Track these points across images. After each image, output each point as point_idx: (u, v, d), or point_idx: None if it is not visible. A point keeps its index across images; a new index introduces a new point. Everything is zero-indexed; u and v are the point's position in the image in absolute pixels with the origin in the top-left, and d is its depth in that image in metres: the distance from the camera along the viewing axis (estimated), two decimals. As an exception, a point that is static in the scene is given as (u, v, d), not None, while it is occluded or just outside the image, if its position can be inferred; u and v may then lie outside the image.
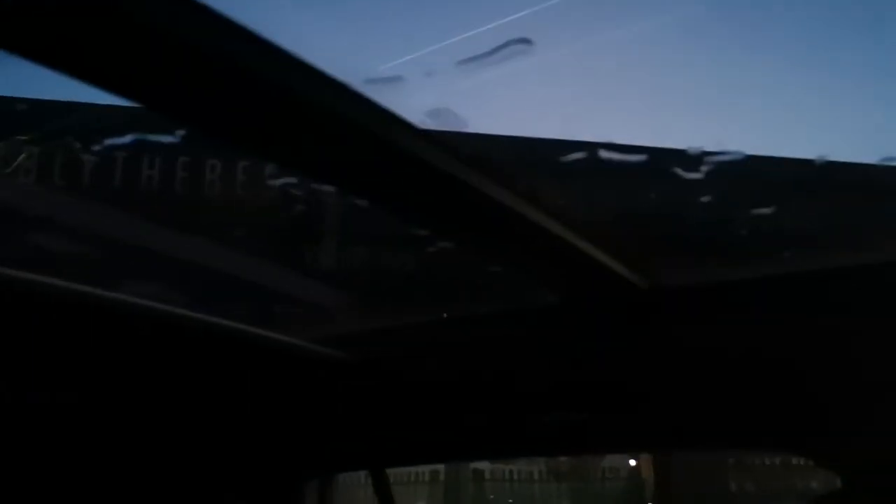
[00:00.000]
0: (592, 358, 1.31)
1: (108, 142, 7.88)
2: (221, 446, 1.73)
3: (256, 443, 1.73)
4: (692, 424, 1.33)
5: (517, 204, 0.96)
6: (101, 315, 1.24)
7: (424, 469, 12.09)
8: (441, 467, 12.15)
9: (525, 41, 1.54)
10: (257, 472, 1.79)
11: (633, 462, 14.48)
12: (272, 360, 1.48)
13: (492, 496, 13.77)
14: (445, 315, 1.51)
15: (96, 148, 8.10)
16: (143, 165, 8.57)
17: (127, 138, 7.71)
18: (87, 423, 1.54)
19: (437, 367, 1.46)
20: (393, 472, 1.96)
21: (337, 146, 0.81)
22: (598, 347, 1.28)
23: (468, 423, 1.59)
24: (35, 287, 1.11)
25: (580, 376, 1.36)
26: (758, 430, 1.28)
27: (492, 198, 0.93)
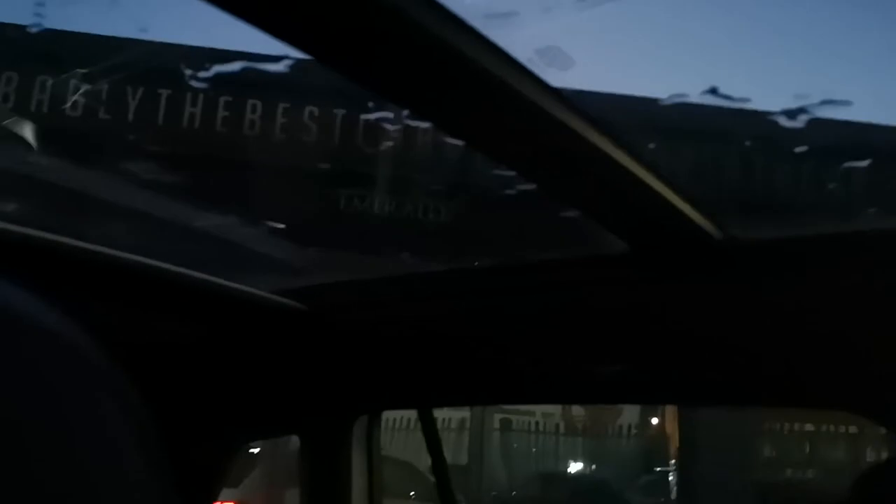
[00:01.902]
0: (657, 309, 1.31)
1: (155, 79, 7.94)
2: (275, 385, 1.76)
3: (306, 381, 1.76)
4: (755, 380, 1.33)
5: (602, 142, 0.95)
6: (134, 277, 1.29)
7: (452, 416, 12.24)
8: (468, 416, 12.30)
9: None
10: (307, 409, 1.82)
11: (655, 420, 14.53)
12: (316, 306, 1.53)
13: (515, 445, 13.94)
14: (504, 261, 1.51)
15: (143, 84, 8.18)
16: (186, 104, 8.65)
17: (175, 75, 7.77)
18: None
19: (492, 312, 1.47)
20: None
21: (440, 79, 0.80)
22: (665, 298, 1.28)
23: (517, 369, 1.60)
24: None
25: (641, 327, 1.35)
26: (824, 389, 1.27)
27: (578, 134, 0.92)
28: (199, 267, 1.40)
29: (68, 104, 7.66)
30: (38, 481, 0.37)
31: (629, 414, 14.41)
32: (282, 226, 5.49)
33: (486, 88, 0.84)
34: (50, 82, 7.85)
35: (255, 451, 7.51)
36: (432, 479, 2.12)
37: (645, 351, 1.38)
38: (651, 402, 8.26)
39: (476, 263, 1.47)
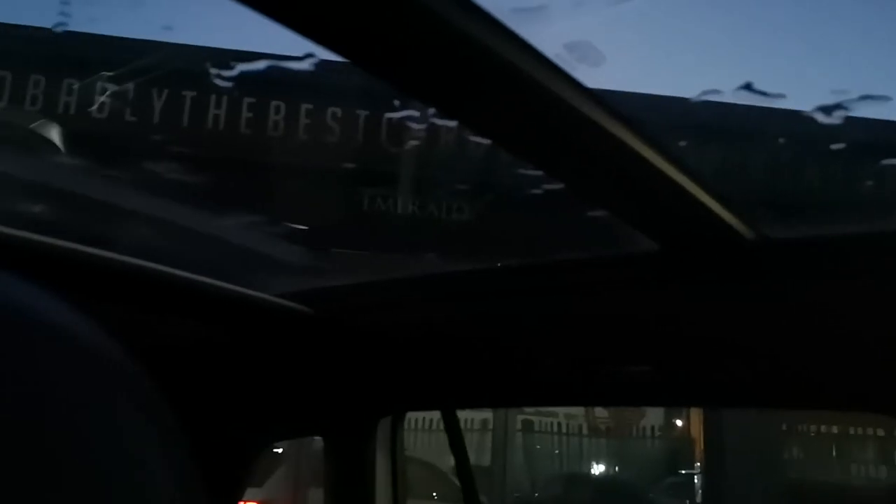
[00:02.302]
0: (686, 309, 1.28)
1: (179, 81, 8.01)
2: (297, 387, 1.76)
3: (327, 383, 1.76)
4: (786, 382, 1.31)
5: (631, 140, 0.93)
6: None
7: (474, 417, 12.25)
8: (490, 417, 12.30)
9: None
10: (329, 411, 1.82)
11: (680, 422, 14.44)
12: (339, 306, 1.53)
13: (538, 446, 13.90)
14: (528, 261, 1.50)
15: (168, 86, 8.25)
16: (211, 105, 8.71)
17: (200, 77, 7.82)
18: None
19: (515, 313, 1.45)
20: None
21: (465, 75, 0.79)
22: (694, 298, 1.25)
23: (541, 371, 1.59)
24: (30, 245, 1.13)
25: (669, 327, 1.33)
26: (858, 392, 1.24)
27: (607, 132, 0.90)
28: (222, 272, 1.41)
29: (94, 106, 7.75)
30: (49, 489, 0.36)
31: (653, 416, 14.33)
32: (307, 227, 5.51)
33: (513, 84, 0.82)
34: (77, 85, 7.94)
35: (280, 451, 7.55)
36: (456, 480, 2.11)
37: (673, 352, 1.36)
38: (678, 404, 8.19)
39: (499, 264, 1.45)
